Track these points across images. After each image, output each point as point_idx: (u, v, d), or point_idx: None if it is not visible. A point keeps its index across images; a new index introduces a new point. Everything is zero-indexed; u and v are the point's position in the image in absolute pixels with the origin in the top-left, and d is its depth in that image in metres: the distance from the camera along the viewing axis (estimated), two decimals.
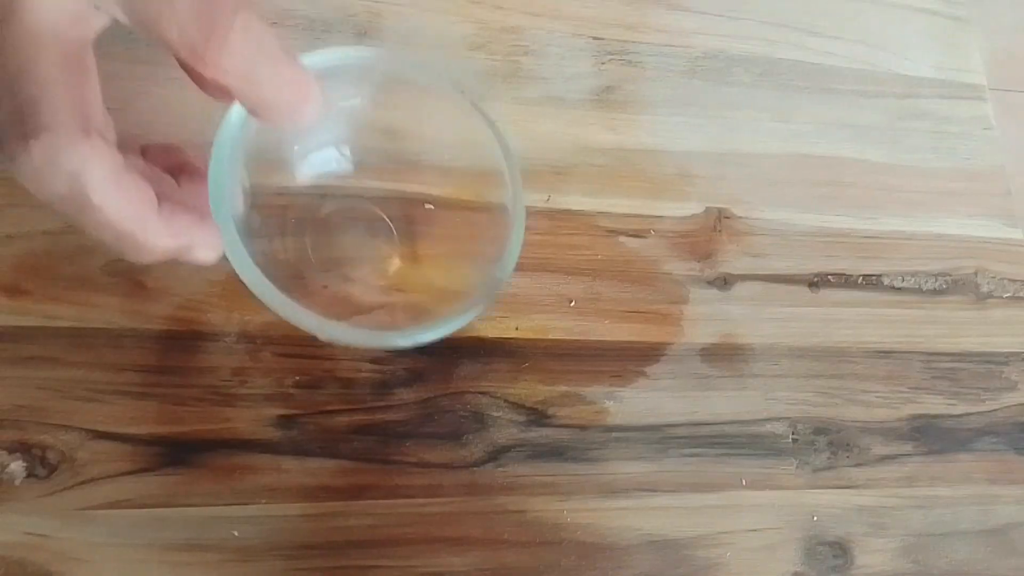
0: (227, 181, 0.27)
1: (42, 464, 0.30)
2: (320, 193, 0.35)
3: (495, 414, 0.35)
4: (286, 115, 0.24)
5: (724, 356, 0.38)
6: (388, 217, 0.36)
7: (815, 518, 0.37)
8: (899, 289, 0.42)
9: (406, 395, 0.34)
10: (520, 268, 0.32)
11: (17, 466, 0.29)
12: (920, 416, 0.40)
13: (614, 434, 0.36)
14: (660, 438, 0.36)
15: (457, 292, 0.35)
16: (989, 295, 0.44)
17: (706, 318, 0.39)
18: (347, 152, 0.35)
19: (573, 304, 0.37)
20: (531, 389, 0.35)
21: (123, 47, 0.35)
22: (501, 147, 0.32)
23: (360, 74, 0.31)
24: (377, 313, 0.35)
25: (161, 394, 0.31)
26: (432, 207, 0.36)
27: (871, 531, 0.37)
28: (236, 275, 0.33)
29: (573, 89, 0.41)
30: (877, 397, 0.40)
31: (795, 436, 0.38)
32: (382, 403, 0.34)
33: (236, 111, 0.27)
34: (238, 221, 0.28)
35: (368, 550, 0.32)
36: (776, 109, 0.44)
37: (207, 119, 0.35)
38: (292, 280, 0.33)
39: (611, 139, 0.41)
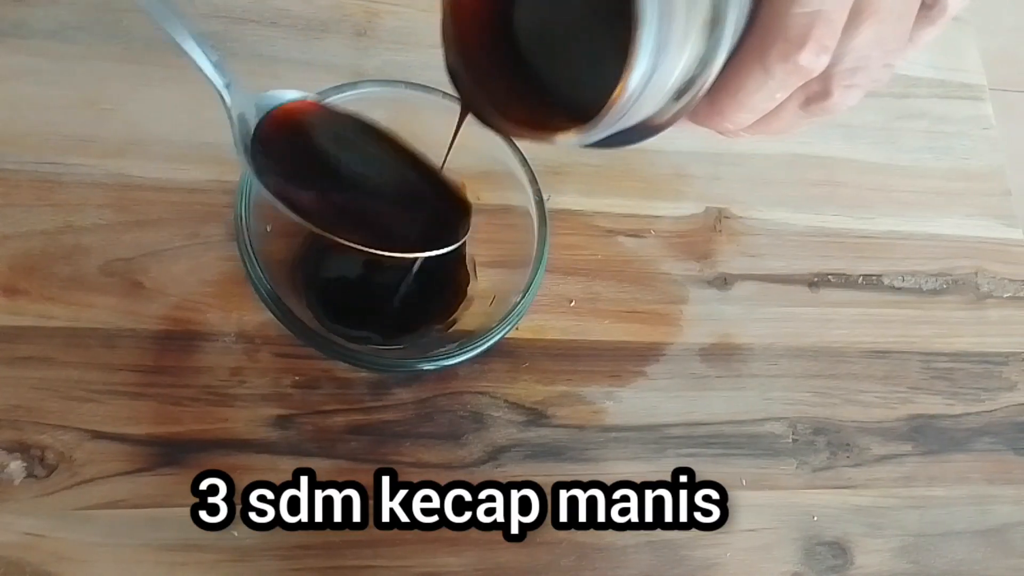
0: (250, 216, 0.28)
1: (41, 464, 0.30)
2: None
3: (494, 414, 0.35)
4: None
5: (722, 356, 0.38)
6: None
7: (814, 518, 0.37)
8: (899, 289, 0.42)
9: (404, 395, 0.34)
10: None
11: (16, 466, 0.29)
12: (918, 416, 0.40)
13: (612, 434, 0.36)
14: (658, 438, 0.36)
15: (477, 297, 0.35)
16: (988, 295, 0.44)
17: (704, 318, 0.39)
18: None
19: (571, 304, 0.37)
20: (529, 389, 0.35)
21: (118, 47, 0.35)
22: (530, 182, 0.32)
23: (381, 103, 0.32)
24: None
25: (158, 394, 0.31)
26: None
27: (869, 531, 0.37)
28: (235, 278, 0.33)
29: None
30: (875, 397, 0.40)
31: (794, 436, 0.38)
32: (379, 403, 0.34)
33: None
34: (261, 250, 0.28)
35: (365, 550, 0.32)
36: None
37: (201, 119, 0.35)
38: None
39: None
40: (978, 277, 0.44)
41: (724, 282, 0.40)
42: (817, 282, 0.41)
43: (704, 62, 0.19)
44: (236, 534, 0.31)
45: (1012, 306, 0.44)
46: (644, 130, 0.21)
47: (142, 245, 0.33)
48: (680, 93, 0.20)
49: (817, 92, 0.21)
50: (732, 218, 0.41)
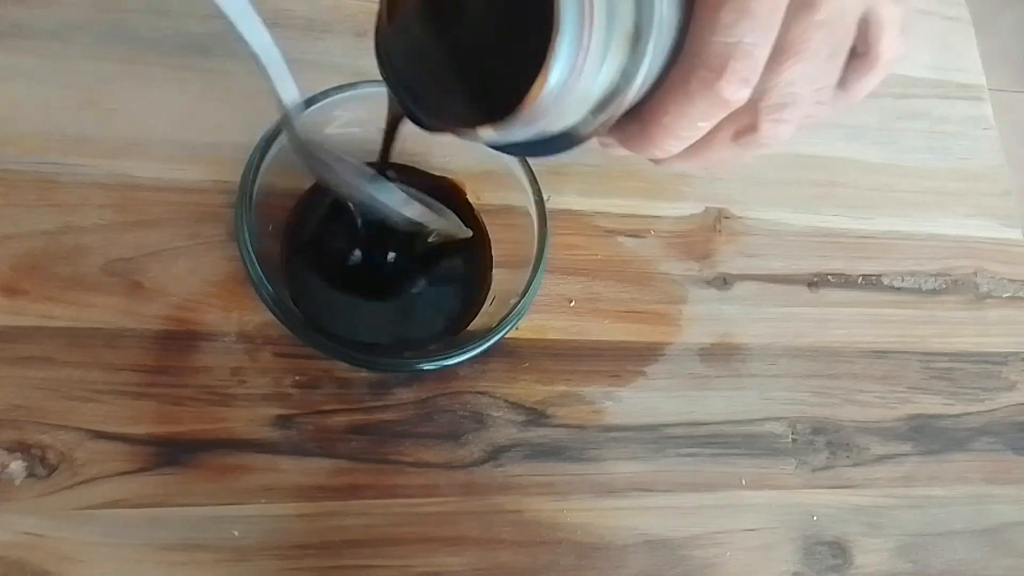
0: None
1: (42, 464, 0.30)
2: None
3: (493, 414, 0.35)
4: None
5: (722, 356, 0.38)
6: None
7: (813, 518, 0.37)
8: (898, 289, 0.42)
9: (404, 395, 0.34)
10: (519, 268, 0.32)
11: (17, 466, 0.29)
12: (917, 416, 0.40)
13: (612, 434, 0.36)
14: (657, 438, 0.36)
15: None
16: (987, 295, 0.44)
17: (704, 318, 0.39)
18: None
19: (571, 304, 0.37)
20: (529, 389, 0.35)
21: (119, 47, 0.35)
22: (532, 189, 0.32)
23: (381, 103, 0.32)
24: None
25: (158, 394, 0.31)
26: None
27: (869, 531, 0.37)
28: (236, 278, 0.33)
29: None
30: (875, 397, 0.40)
31: (794, 436, 0.38)
32: (380, 403, 0.34)
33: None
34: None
35: (365, 550, 0.32)
36: None
37: (202, 120, 0.35)
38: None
39: None
40: (977, 277, 0.44)
41: (724, 282, 0.40)
42: (816, 282, 0.41)
43: (627, 75, 0.20)
44: (236, 533, 0.31)
45: (1011, 306, 0.44)
46: (566, 140, 0.22)
47: (143, 245, 0.33)
48: (602, 105, 0.20)
49: (746, 125, 0.22)
50: (732, 218, 0.41)
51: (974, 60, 0.49)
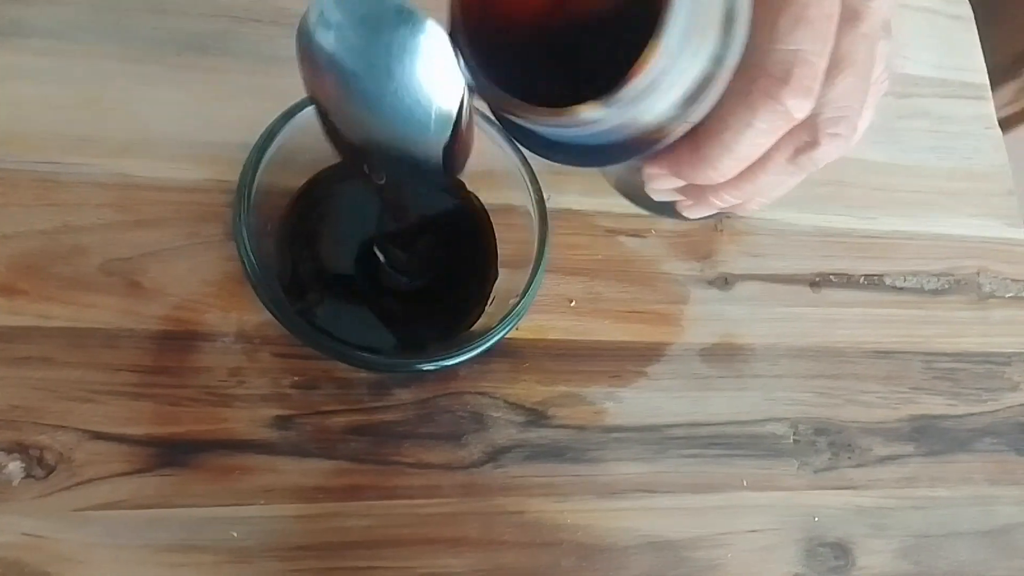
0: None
1: (40, 465, 0.29)
2: None
3: (494, 414, 0.35)
4: None
5: (724, 356, 0.38)
6: None
7: (815, 519, 0.37)
8: (901, 289, 0.42)
9: (404, 395, 0.34)
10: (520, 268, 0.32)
11: (15, 466, 0.29)
12: (920, 416, 0.40)
13: (613, 435, 0.36)
14: (659, 439, 0.36)
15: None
16: (991, 295, 0.44)
17: (706, 318, 0.39)
18: None
19: (572, 304, 0.37)
20: (530, 389, 0.35)
21: (119, 46, 0.35)
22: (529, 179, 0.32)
23: None
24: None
25: (157, 394, 0.31)
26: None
27: (871, 532, 0.37)
28: (235, 278, 0.33)
29: None
30: (877, 397, 0.40)
31: (796, 437, 0.38)
32: (380, 404, 0.33)
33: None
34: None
35: (365, 551, 0.32)
36: None
37: (201, 119, 0.35)
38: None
39: None
40: (980, 277, 0.44)
41: (725, 282, 0.40)
42: (819, 282, 0.41)
43: (718, 60, 0.20)
44: (235, 534, 0.30)
45: (1015, 306, 0.44)
46: (645, 142, 0.21)
47: (142, 245, 0.33)
48: (694, 96, 0.20)
49: (807, 142, 0.22)
50: (734, 218, 0.41)
51: (977, 59, 0.49)
